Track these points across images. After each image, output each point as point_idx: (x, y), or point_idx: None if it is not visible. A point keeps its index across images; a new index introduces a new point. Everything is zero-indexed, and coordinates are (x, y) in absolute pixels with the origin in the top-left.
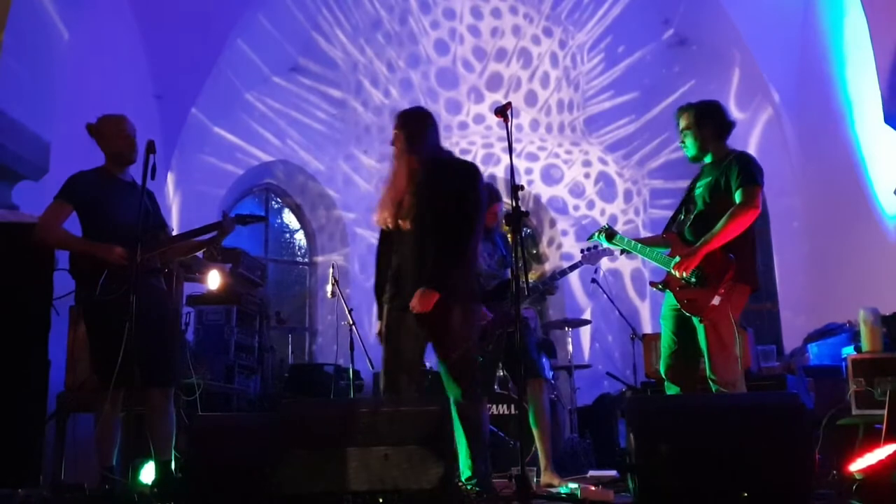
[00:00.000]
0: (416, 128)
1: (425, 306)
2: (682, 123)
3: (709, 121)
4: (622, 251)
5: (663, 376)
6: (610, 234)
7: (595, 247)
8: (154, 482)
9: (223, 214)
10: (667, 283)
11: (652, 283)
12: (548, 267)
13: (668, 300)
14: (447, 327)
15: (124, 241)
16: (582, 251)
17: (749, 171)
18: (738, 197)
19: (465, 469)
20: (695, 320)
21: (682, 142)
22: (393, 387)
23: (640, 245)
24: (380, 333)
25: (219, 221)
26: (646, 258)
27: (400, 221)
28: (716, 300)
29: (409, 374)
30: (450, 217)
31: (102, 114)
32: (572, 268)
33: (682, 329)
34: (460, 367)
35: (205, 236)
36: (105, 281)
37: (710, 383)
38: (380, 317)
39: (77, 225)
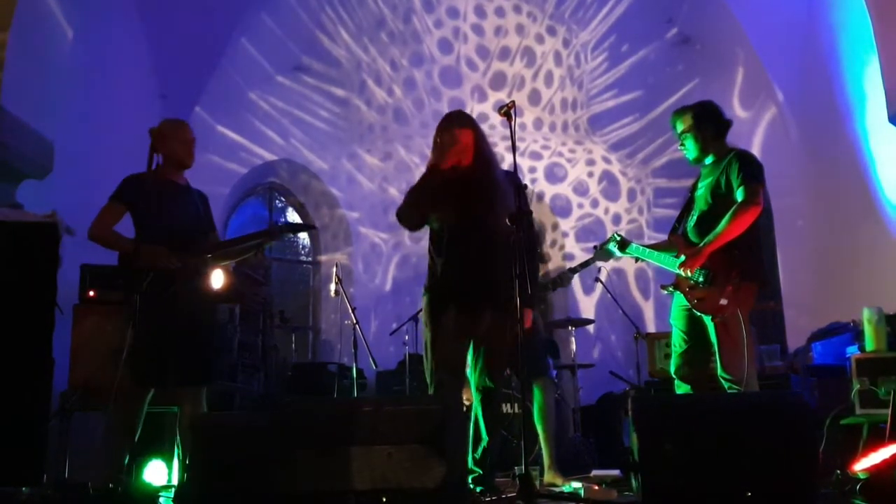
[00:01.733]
0: (483, 133)
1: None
2: (681, 126)
3: (708, 122)
4: (636, 259)
5: (674, 376)
6: (623, 243)
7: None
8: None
9: (270, 223)
10: (676, 285)
11: (662, 287)
12: (551, 267)
13: (678, 300)
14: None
15: (175, 243)
16: (595, 247)
17: (749, 169)
18: (739, 195)
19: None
20: (706, 319)
21: (682, 144)
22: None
23: (649, 251)
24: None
25: (266, 230)
26: (657, 263)
27: (473, 221)
28: (723, 300)
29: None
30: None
31: (165, 118)
32: (584, 265)
33: (693, 328)
34: (504, 362)
35: (250, 243)
36: (151, 281)
37: (722, 381)
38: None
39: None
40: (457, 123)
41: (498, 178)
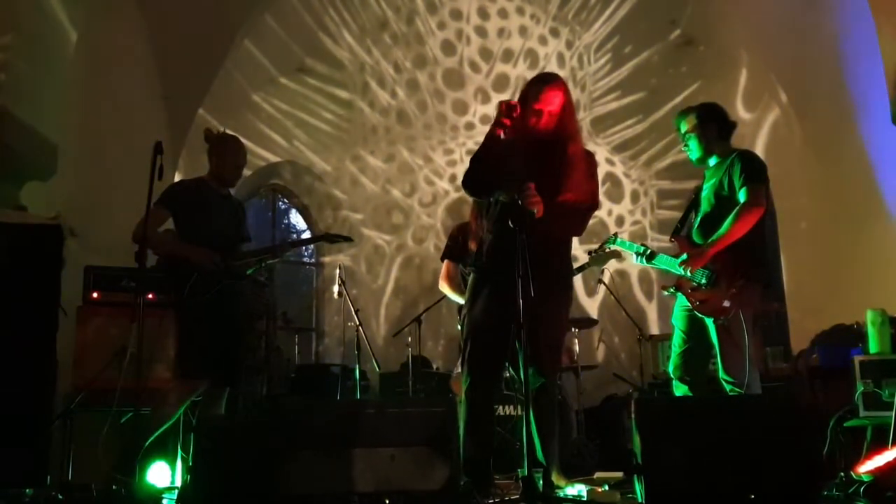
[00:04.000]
0: (572, 103)
1: None
2: (685, 127)
3: (712, 123)
4: (666, 271)
5: (671, 375)
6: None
7: (601, 248)
8: None
9: (282, 240)
10: (678, 286)
11: (663, 287)
12: None
13: (681, 301)
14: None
15: (216, 248)
16: (589, 253)
17: (752, 169)
18: (742, 196)
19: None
20: (708, 321)
21: (686, 145)
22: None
23: (669, 259)
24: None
25: (276, 246)
26: (666, 269)
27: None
28: (726, 302)
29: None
30: None
31: (224, 130)
32: (579, 269)
33: (694, 329)
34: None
35: (257, 257)
36: (193, 284)
37: (724, 384)
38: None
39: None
40: (549, 83)
41: (576, 154)
